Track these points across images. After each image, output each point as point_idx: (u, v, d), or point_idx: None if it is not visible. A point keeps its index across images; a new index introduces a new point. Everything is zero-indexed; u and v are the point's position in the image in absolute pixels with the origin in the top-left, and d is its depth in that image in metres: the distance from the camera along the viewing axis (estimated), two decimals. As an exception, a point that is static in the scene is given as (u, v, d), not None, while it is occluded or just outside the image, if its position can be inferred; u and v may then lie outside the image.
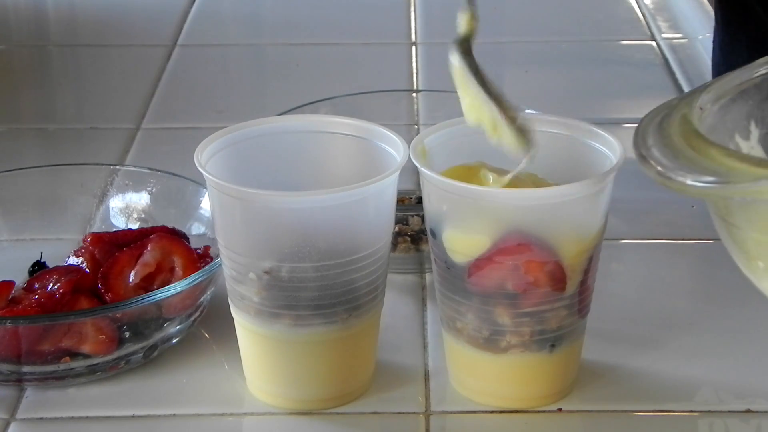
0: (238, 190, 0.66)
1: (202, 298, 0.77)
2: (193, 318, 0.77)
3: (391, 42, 1.29)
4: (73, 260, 0.78)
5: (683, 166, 0.52)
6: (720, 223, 0.57)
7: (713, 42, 1.00)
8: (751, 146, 0.61)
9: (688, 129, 0.55)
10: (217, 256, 0.73)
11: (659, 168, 0.53)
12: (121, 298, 0.74)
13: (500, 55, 1.25)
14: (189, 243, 0.79)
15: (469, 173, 0.69)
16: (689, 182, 0.52)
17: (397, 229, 0.82)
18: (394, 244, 0.81)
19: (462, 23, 0.69)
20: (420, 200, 0.81)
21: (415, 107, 1.02)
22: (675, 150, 0.54)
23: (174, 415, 0.71)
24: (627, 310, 0.81)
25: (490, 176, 0.68)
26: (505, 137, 0.66)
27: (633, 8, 1.37)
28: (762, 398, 0.72)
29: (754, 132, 0.61)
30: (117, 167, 0.89)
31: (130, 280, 0.75)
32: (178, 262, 0.77)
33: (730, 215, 0.56)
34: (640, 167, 0.54)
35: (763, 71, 0.62)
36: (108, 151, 1.03)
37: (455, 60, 0.68)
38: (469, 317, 0.69)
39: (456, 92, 0.69)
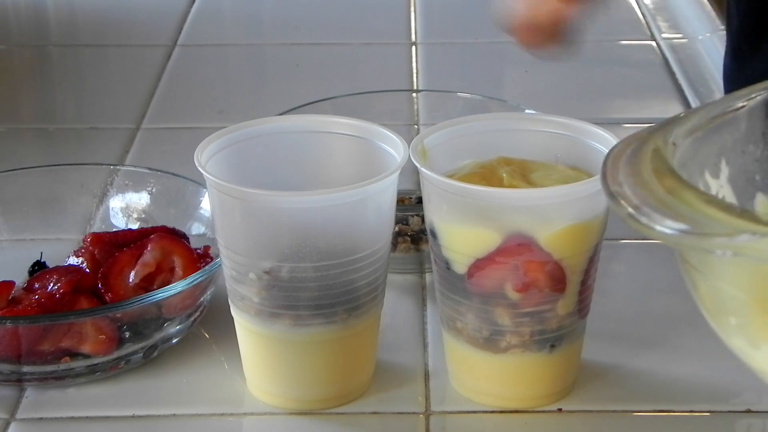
0: (238, 190, 0.66)
1: (202, 298, 0.77)
2: (193, 318, 0.77)
3: (391, 42, 1.29)
4: (73, 260, 0.78)
5: (657, 209, 0.47)
6: (687, 268, 0.52)
7: (723, 70, 0.99)
8: (720, 185, 0.57)
9: (661, 166, 0.50)
10: (217, 256, 0.73)
11: (630, 210, 0.48)
12: (121, 298, 0.74)
13: (500, 55, 1.25)
14: (189, 243, 0.79)
15: (484, 171, 0.70)
16: (661, 229, 0.47)
17: (397, 229, 0.82)
18: (394, 244, 0.81)
19: None
20: (420, 200, 0.81)
21: (415, 107, 1.02)
22: (647, 190, 0.49)
23: (174, 415, 0.71)
24: (627, 310, 0.81)
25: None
26: None
27: (633, 8, 1.37)
28: (762, 398, 0.72)
29: (724, 170, 0.57)
30: (117, 167, 0.89)
31: (130, 280, 0.75)
32: (178, 262, 0.77)
33: (703, 265, 0.51)
34: (609, 203, 0.49)
35: (740, 104, 0.57)
36: (108, 151, 1.03)
37: None
38: (469, 317, 0.69)
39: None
